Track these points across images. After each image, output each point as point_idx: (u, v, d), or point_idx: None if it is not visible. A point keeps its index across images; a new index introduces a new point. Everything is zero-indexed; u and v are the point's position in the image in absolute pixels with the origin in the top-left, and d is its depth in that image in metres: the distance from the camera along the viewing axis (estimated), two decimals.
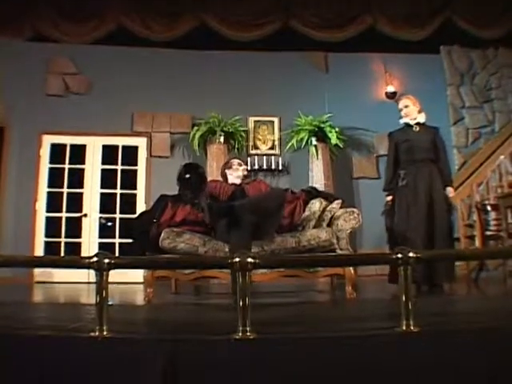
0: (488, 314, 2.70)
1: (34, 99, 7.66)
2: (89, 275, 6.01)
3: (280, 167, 7.96)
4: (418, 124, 4.86)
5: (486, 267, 5.84)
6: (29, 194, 7.48)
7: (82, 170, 7.78)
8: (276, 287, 5.30)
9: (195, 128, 7.74)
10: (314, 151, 7.73)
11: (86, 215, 7.63)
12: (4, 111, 7.52)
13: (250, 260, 2.13)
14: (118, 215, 7.71)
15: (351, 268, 4.17)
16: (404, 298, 2.14)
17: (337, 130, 7.75)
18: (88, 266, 2.21)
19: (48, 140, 7.75)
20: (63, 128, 7.61)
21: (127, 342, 2.08)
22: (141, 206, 7.51)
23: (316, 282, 5.88)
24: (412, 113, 4.88)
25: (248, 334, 2.06)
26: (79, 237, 7.60)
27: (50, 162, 7.73)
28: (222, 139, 7.62)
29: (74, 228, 7.60)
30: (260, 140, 8.13)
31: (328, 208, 4.71)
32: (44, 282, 6.88)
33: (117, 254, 6.15)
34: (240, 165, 4.97)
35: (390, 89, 8.22)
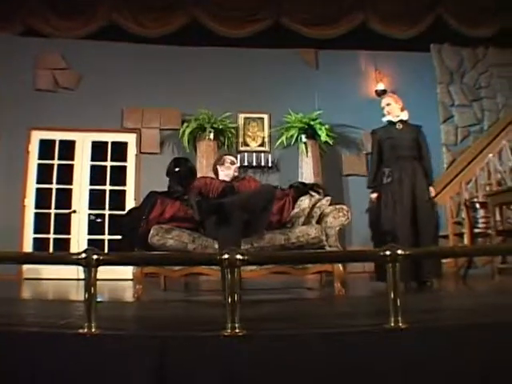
0: (476, 311, 2.73)
1: (23, 94, 7.60)
2: (78, 272, 5.98)
3: (270, 164, 7.97)
4: (400, 122, 4.90)
5: (474, 264, 5.88)
6: (17, 189, 7.44)
7: (71, 166, 7.74)
8: (265, 284, 5.31)
9: (185, 124, 7.72)
10: (304, 148, 7.74)
11: (74, 211, 7.60)
12: None
13: (239, 257, 2.13)
14: (107, 212, 7.68)
15: (340, 265, 4.18)
16: (392, 295, 2.15)
17: (326, 127, 7.76)
18: (76, 263, 2.20)
19: (37, 136, 7.70)
20: (52, 124, 7.57)
21: (116, 339, 2.07)
22: (130, 203, 7.48)
23: (305, 278, 5.89)
24: (394, 110, 4.93)
25: (237, 330, 2.06)
26: (68, 233, 7.57)
27: (39, 158, 7.69)
28: (211, 136, 7.60)
29: (63, 224, 7.58)
30: (250, 137, 8.13)
31: (317, 205, 4.71)
32: (33, 279, 6.84)
33: (106, 251, 6.14)
34: (233, 163, 4.96)
35: (380, 86, 8.24)
